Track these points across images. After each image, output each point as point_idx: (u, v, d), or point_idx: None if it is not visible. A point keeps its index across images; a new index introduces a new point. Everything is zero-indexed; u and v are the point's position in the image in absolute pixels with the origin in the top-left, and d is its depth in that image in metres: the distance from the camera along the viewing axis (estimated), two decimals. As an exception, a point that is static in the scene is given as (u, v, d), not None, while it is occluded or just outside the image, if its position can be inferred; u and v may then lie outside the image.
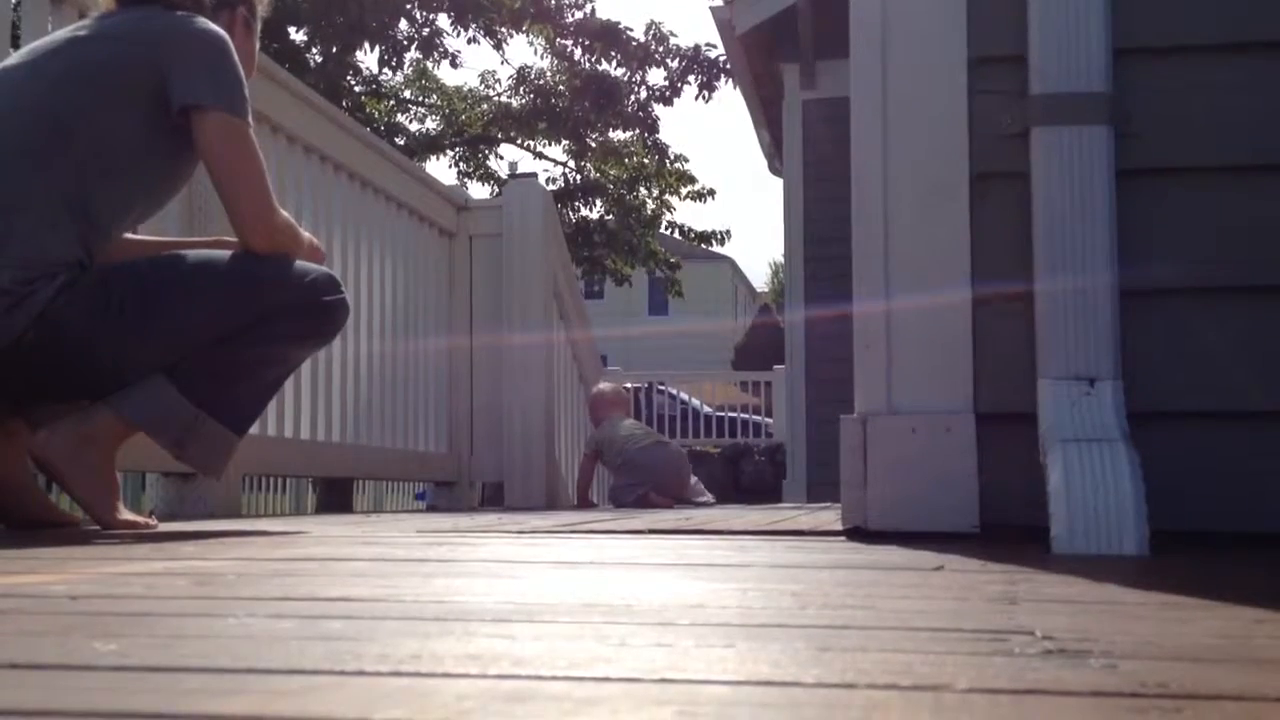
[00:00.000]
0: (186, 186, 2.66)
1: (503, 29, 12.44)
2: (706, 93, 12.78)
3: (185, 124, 2.25)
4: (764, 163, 11.61)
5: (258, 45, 2.58)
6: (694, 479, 6.38)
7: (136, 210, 2.36)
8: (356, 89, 13.20)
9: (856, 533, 2.15)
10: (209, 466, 2.36)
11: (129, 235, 2.44)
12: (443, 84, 14.34)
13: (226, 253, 2.35)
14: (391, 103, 14.27)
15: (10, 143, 2.20)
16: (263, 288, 2.31)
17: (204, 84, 2.23)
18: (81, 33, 2.30)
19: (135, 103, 2.23)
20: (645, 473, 5.90)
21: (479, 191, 13.54)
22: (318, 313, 2.36)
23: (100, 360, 2.22)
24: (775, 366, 12.05)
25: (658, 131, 13.26)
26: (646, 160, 13.92)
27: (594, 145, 13.72)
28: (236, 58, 2.29)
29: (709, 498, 6.39)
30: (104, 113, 2.23)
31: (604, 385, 6.37)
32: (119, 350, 2.22)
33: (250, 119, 2.29)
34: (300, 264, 2.35)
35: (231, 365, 2.30)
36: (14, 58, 2.34)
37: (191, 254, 2.38)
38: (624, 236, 13.94)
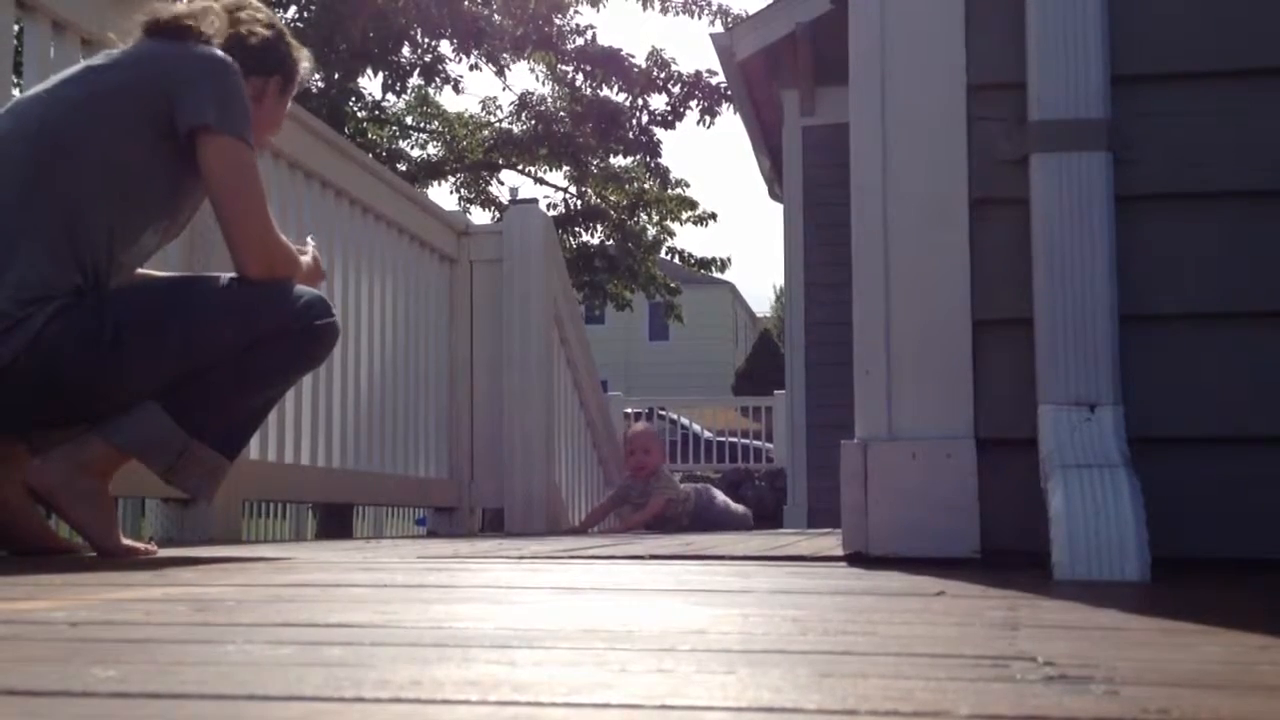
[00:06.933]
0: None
1: (505, 55, 12.48)
2: (708, 118, 12.80)
3: (192, 150, 2.26)
4: (764, 188, 11.62)
5: (285, 109, 2.58)
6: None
7: (144, 239, 2.35)
8: (359, 115, 13.23)
9: (857, 558, 2.14)
10: (201, 492, 2.37)
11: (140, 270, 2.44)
12: (444, 110, 14.38)
13: (220, 277, 2.36)
14: (393, 129, 14.31)
15: (17, 167, 2.22)
16: (256, 314, 2.31)
17: (209, 106, 2.25)
18: (97, 61, 2.34)
19: (143, 129, 2.25)
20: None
21: (480, 217, 13.54)
22: (309, 337, 2.36)
23: (93, 386, 2.22)
24: (776, 391, 12.05)
25: (659, 155, 13.28)
26: (648, 185, 13.94)
27: (595, 171, 13.74)
28: (242, 82, 2.30)
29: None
30: (111, 139, 2.24)
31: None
32: (112, 376, 2.22)
33: (252, 142, 2.30)
34: (293, 288, 2.36)
35: (223, 390, 2.31)
36: (37, 86, 2.37)
37: (184, 280, 2.39)
38: (624, 262, 13.95)
